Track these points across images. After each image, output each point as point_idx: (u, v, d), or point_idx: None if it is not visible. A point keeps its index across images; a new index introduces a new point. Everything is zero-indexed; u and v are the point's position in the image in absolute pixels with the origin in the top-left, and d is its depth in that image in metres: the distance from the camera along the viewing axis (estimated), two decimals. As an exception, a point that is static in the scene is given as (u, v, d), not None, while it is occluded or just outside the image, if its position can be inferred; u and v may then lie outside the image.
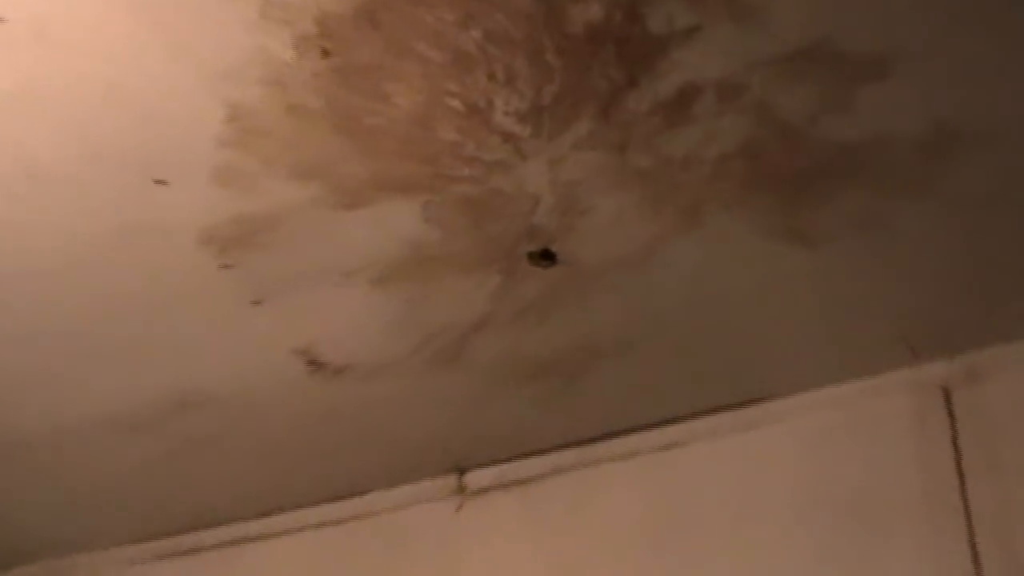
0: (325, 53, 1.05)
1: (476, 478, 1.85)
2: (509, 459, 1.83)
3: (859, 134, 1.19)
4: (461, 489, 1.86)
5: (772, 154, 1.22)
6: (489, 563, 1.81)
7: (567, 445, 1.81)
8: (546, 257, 1.36)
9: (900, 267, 1.42)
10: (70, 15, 1.00)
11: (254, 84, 1.09)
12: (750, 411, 1.70)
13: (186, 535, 1.99)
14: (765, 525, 1.65)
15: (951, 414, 1.58)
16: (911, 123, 1.17)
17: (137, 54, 1.04)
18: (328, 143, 1.18)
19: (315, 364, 1.56)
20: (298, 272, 1.38)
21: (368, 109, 1.13)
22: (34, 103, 1.10)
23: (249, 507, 1.96)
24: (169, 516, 1.99)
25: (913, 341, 1.56)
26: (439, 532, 1.85)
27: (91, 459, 1.80)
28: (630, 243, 1.37)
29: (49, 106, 1.10)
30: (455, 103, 1.12)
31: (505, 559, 1.80)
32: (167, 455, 1.80)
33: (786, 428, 1.69)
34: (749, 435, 1.70)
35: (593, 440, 1.79)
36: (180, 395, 1.63)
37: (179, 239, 1.31)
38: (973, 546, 1.49)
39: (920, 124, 1.17)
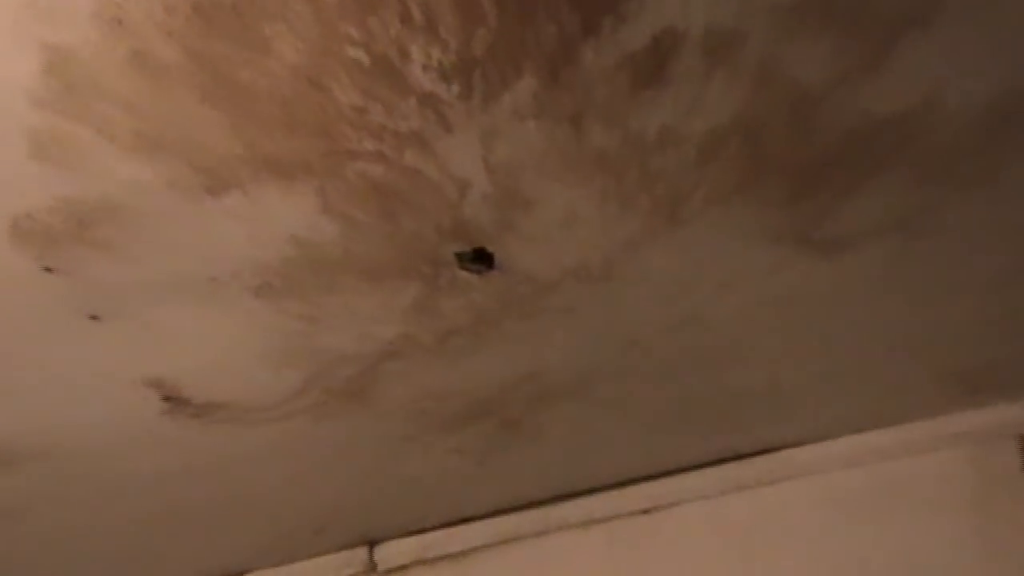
0: (179, -20, 1.01)
1: (390, 552, 1.80)
2: (433, 527, 1.79)
3: (893, 105, 1.14)
4: (372, 567, 1.80)
5: (777, 130, 1.17)
6: None
7: (508, 510, 1.78)
8: (479, 260, 1.31)
9: (948, 280, 1.40)
10: None
11: (84, 23, 1.04)
12: (749, 465, 1.69)
13: None
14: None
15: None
16: (964, 90, 1.14)
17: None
18: (186, 107, 1.11)
19: (172, 400, 1.49)
20: (149, 278, 1.31)
21: (240, 61, 1.07)
22: None
23: None
24: None
25: (971, 377, 1.54)
26: None
27: None
28: (588, 248, 1.32)
29: None
30: (357, 53, 1.07)
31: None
32: None
33: (800, 488, 1.67)
34: (750, 496, 1.68)
35: (542, 503, 1.77)
36: None
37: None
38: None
39: (977, 91, 1.14)
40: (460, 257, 1.31)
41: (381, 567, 1.83)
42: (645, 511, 1.73)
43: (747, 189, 1.24)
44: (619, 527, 1.74)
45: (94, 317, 1.37)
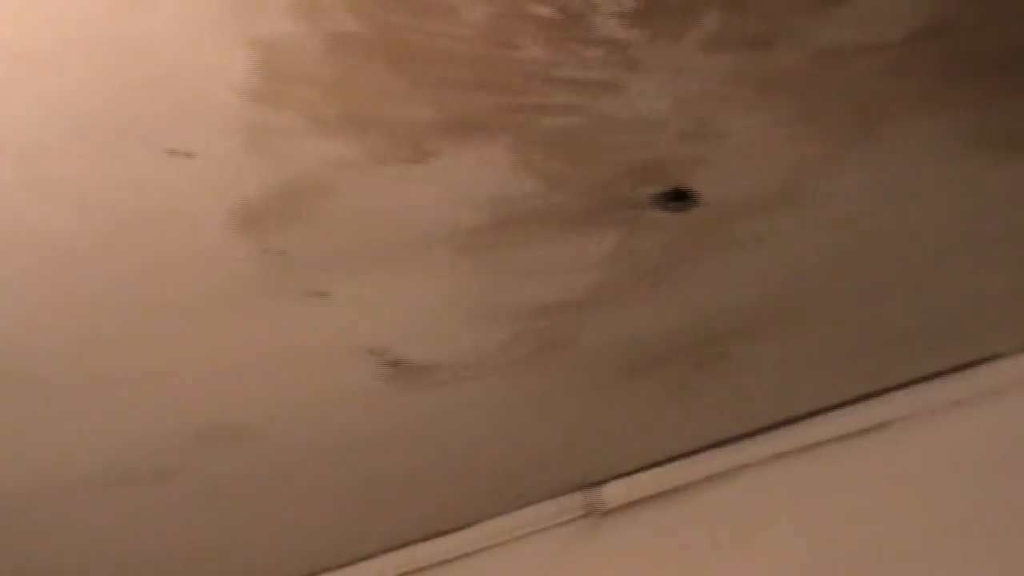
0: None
1: (608, 493, 1.89)
2: (647, 467, 1.83)
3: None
4: (590, 509, 1.88)
5: (972, 29, 1.15)
6: None
7: (719, 444, 1.81)
8: (676, 198, 1.33)
9: None
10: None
11: (283, 14, 1.09)
12: (963, 379, 1.66)
13: None
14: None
15: None
16: None
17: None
18: (380, 81, 1.16)
19: (393, 365, 1.58)
20: (360, 250, 1.39)
21: (428, 30, 1.12)
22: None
23: (313, 561, 2.04)
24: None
25: None
26: (565, 564, 1.89)
27: (92, 516, 1.92)
28: (780, 173, 1.33)
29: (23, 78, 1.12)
30: (543, 10, 1.10)
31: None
32: (188, 507, 1.89)
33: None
34: (968, 412, 1.66)
35: (753, 434, 1.79)
36: (208, 428, 1.68)
37: (204, 224, 1.31)
38: None
39: None
40: (656, 197, 1.33)
41: (598, 510, 1.90)
42: (859, 432, 1.73)
43: (942, 94, 1.23)
44: (832, 452, 1.75)
45: (312, 294, 1.45)
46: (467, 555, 2.03)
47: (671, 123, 1.24)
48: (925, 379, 1.71)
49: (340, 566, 2.09)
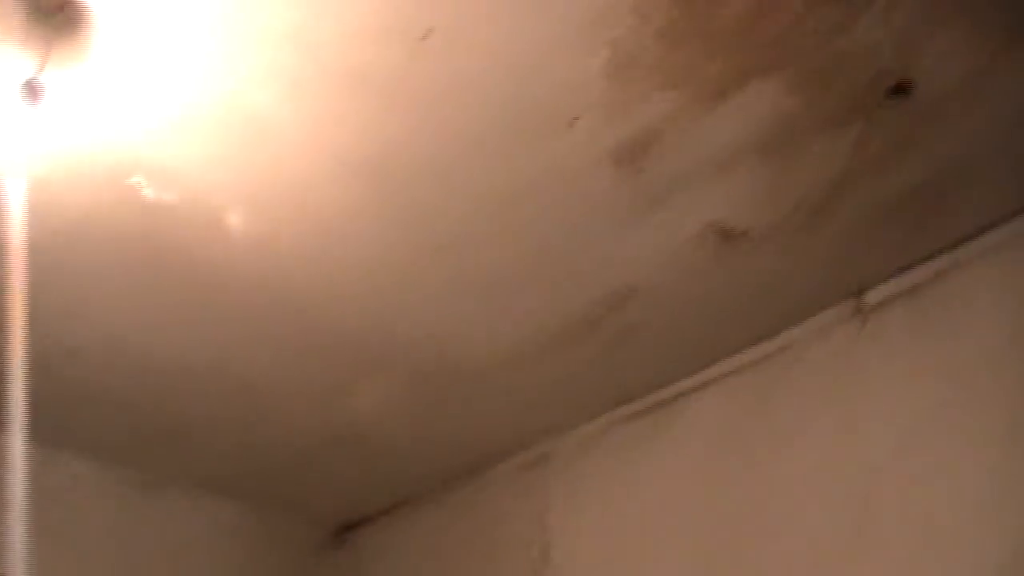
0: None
1: (874, 296, 2.39)
2: (903, 269, 2.34)
3: None
4: (859, 309, 2.41)
5: None
6: (891, 380, 2.34)
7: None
8: (898, 92, 1.86)
9: None
10: (459, 22, 1.69)
11: (626, 15, 1.69)
12: None
13: (633, 402, 2.83)
14: None
15: None
16: None
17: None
18: (691, 51, 1.77)
19: (723, 233, 2.19)
20: (689, 165, 2.02)
21: (721, 12, 1.70)
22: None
23: (681, 368, 2.72)
24: (617, 390, 2.83)
25: None
26: (839, 358, 2.44)
27: (539, 365, 2.69)
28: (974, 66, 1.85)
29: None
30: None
31: (905, 375, 2.32)
32: (604, 350, 2.60)
33: None
34: None
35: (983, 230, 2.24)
36: (614, 295, 2.38)
37: (593, 168, 2.01)
38: None
39: None
40: (883, 95, 1.88)
41: (867, 308, 2.39)
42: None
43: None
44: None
45: (663, 198, 2.12)
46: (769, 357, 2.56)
47: (887, 44, 1.78)
48: None
49: (688, 374, 2.73)
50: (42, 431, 3.08)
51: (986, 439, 2.16)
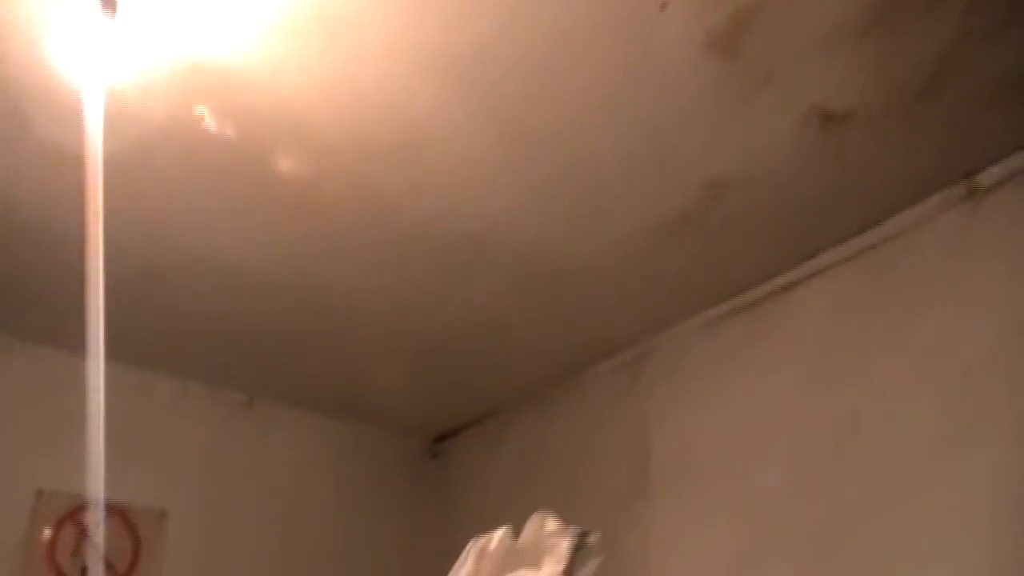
0: None
1: (986, 177, 2.31)
2: (1017, 148, 2.26)
3: None
4: (972, 192, 2.33)
5: None
6: (1001, 272, 2.25)
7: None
8: None
9: None
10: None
11: None
12: None
13: (736, 297, 2.81)
14: None
15: None
16: None
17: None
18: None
19: (826, 117, 2.14)
20: (789, 46, 1.95)
21: None
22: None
23: (785, 260, 2.67)
24: (721, 285, 2.80)
25: None
26: (950, 244, 2.37)
27: (641, 262, 2.66)
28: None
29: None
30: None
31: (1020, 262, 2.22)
32: (708, 243, 2.57)
33: None
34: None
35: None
36: (714, 186, 2.34)
37: (688, 54, 1.96)
38: None
39: None
40: None
41: (979, 191, 2.31)
42: None
43: None
44: None
45: (764, 80, 2.06)
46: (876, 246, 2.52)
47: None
48: None
49: (794, 265, 2.68)
50: (138, 354, 3.16)
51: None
